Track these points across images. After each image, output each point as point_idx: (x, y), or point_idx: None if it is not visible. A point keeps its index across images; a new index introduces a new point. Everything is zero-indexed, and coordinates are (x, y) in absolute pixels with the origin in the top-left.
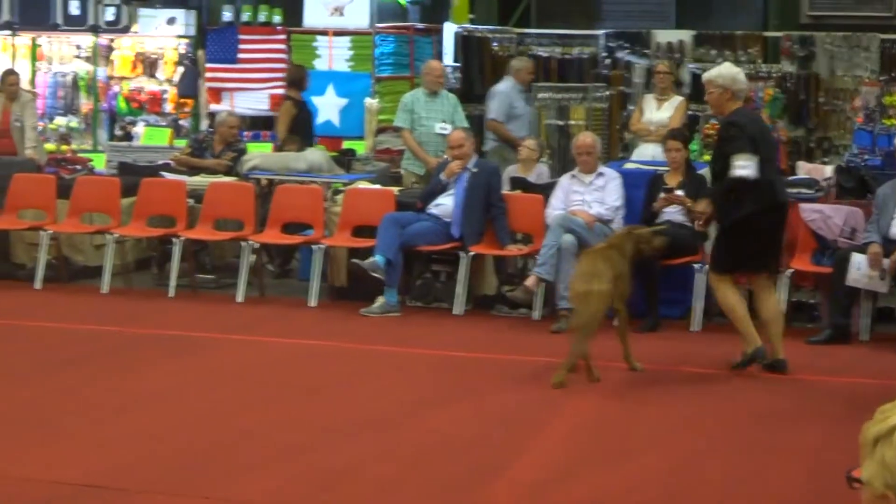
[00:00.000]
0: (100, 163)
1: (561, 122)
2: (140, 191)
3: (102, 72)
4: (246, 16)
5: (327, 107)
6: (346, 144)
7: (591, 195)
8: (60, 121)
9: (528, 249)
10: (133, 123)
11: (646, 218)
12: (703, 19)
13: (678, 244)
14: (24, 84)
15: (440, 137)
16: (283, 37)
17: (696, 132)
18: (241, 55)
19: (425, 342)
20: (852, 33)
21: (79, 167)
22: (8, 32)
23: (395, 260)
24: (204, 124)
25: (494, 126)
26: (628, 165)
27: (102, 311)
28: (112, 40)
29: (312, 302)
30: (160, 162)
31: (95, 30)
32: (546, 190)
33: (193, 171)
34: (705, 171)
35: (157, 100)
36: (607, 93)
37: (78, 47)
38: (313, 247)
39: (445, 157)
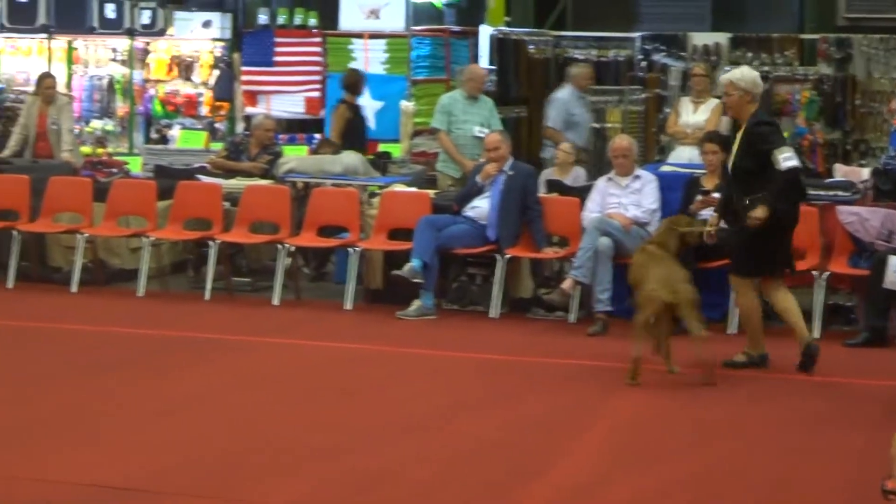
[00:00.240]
0: (136, 166)
1: (597, 125)
2: (176, 194)
3: (138, 75)
4: (282, 19)
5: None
6: (381, 147)
7: (628, 198)
8: (96, 124)
9: (564, 252)
10: (169, 126)
11: None
12: (740, 22)
13: (716, 246)
14: (61, 87)
15: (477, 140)
16: (318, 40)
17: None
18: (276, 58)
19: (461, 345)
20: (889, 35)
21: (115, 170)
22: (44, 36)
23: (432, 263)
24: (240, 127)
25: (552, 133)
26: (665, 168)
27: (138, 314)
28: (148, 43)
29: (348, 305)
30: (196, 165)
31: (131, 33)
32: (582, 193)
33: (229, 173)
34: None
35: (192, 103)
36: (643, 95)
37: (114, 50)
38: (349, 250)
39: (481, 159)
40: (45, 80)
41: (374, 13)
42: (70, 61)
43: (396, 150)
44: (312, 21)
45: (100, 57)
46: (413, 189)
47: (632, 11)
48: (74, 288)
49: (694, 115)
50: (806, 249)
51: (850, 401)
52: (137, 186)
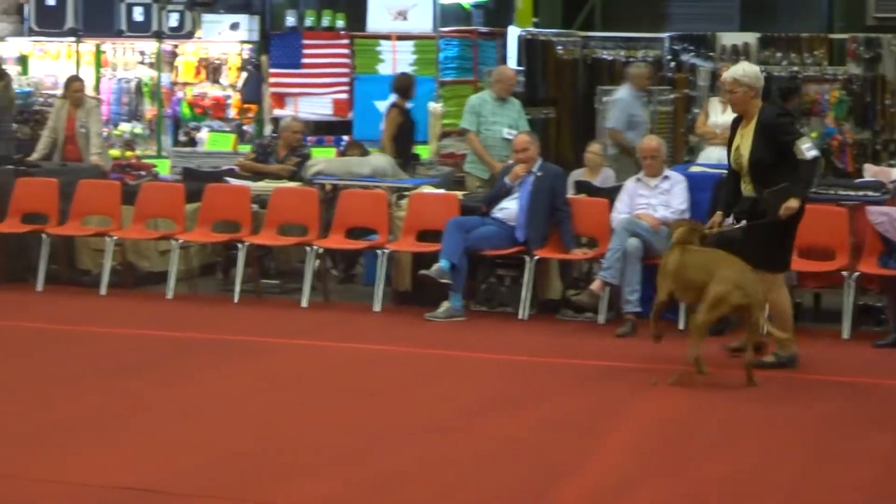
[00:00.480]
0: (164, 168)
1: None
2: (204, 196)
3: (166, 78)
4: (309, 21)
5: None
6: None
7: (657, 199)
8: (125, 127)
9: (592, 253)
10: (197, 129)
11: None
12: (768, 22)
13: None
14: (89, 90)
15: (505, 142)
16: (346, 41)
17: None
18: (304, 60)
19: (490, 346)
20: None
21: (143, 173)
22: (72, 39)
23: (460, 264)
24: (268, 129)
25: (614, 134)
26: (694, 168)
27: (167, 316)
28: (176, 46)
29: (377, 307)
30: (224, 167)
31: (159, 36)
32: (611, 194)
33: (258, 176)
34: None
35: (220, 105)
36: (672, 96)
37: (142, 53)
38: (378, 251)
39: (510, 161)
40: (74, 83)
41: (402, 14)
42: (98, 64)
43: (424, 152)
44: (340, 23)
45: (128, 60)
46: (441, 190)
47: (660, 12)
48: (103, 291)
49: (723, 115)
50: (835, 250)
51: (879, 402)
52: (166, 189)
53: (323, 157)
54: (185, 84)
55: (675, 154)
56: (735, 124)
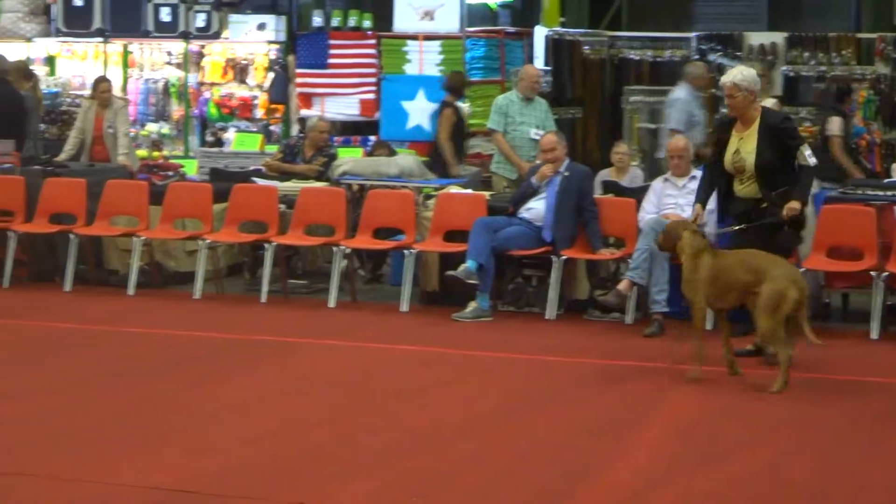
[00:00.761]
0: (191, 169)
1: (653, 126)
2: (232, 196)
3: (193, 78)
4: (336, 21)
5: (418, 111)
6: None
7: (685, 198)
8: (152, 127)
9: (620, 253)
10: (224, 129)
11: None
12: (796, 21)
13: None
14: (116, 91)
15: (532, 142)
16: (373, 41)
17: None
18: (331, 60)
19: (517, 347)
20: None
21: (171, 173)
22: (100, 40)
23: (487, 265)
24: (294, 129)
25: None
26: None
27: (195, 316)
28: (203, 46)
29: (404, 307)
30: (251, 167)
31: (186, 36)
32: (639, 194)
33: (285, 176)
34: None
35: (247, 105)
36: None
37: (169, 54)
38: (405, 252)
39: (537, 161)
40: (101, 83)
41: (429, 14)
42: (125, 65)
43: None
44: (367, 23)
45: (155, 60)
46: (468, 191)
47: (687, 11)
48: (131, 291)
49: None
50: (864, 250)
51: None
52: (193, 189)
53: (350, 158)
54: (212, 84)
55: None
56: (724, 127)
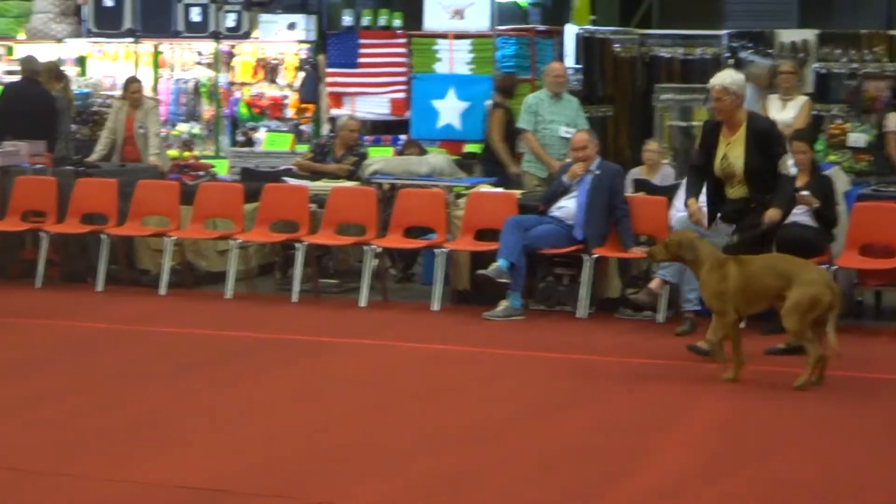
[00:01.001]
0: (222, 169)
1: (684, 124)
2: (263, 196)
3: (224, 78)
4: (366, 20)
5: (448, 110)
6: (467, 148)
7: None
8: (183, 127)
9: None
10: (255, 129)
11: None
12: (827, 18)
13: (804, 244)
14: (147, 91)
15: (563, 140)
16: (403, 40)
17: (820, 132)
18: (361, 59)
19: (549, 346)
20: None
21: (201, 173)
22: (131, 40)
23: (518, 263)
24: (325, 129)
25: None
26: None
27: (226, 316)
28: (233, 46)
29: (435, 306)
30: (282, 167)
31: (217, 36)
32: (670, 192)
33: (315, 175)
34: (831, 172)
35: (278, 105)
36: None
37: (199, 54)
38: (436, 251)
39: (568, 159)
40: (132, 84)
41: (459, 13)
42: (156, 65)
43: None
44: (397, 22)
45: (185, 60)
46: (499, 189)
47: (718, 9)
48: (163, 290)
49: (782, 112)
50: None
51: None
52: (224, 189)
53: (380, 157)
54: (243, 84)
55: None
56: (710, 131)
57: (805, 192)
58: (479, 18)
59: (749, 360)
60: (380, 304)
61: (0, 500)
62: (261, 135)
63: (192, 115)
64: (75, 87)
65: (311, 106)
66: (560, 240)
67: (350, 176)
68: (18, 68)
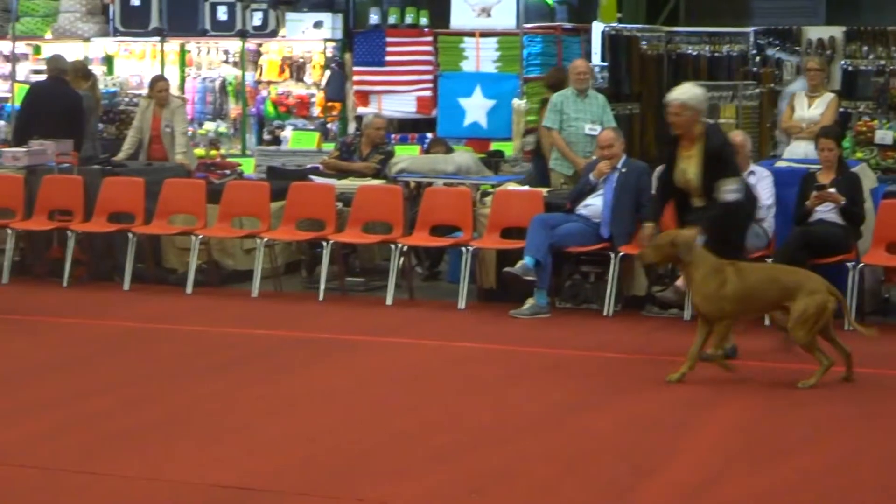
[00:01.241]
0: (249, 167)
1: (710, 121)
2: (289, 195)
3: (250, 76)
4: (393, 18)
5: (475, 108)
6: (493, 146)
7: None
8: (209, 126)
9: None
10: (281, 128)
11: (798, 216)
12: (854, 15)
13: (831, 242)
14: (174, 90)
15: (588, 138)
16: (429, 39)
17: (847, 129)
18: (388, 58)
19: (575, 344)
20: None
21: (228, 172)
22: (157, 39)
23: (545, 261)
24: (351, 127)
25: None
26: (780, 164)
27: (253, 314)
28: (260, 45)
29: (462, 304)
30: (308, 166)
31: (243, 35)
32: None
33: (342, 174)
34: (858, 169)
35: (304, 103)
36: (757, 91)
37: (226, 52)
38: (462, 249)
39: (594, 157)
40: (158, 83)
41: (486, 11)
42: (183, 64)
43: (508, 149)
44: (423, 20)
45: (212, 59)
46: (526, 187)
47: (745, 6)
48: (189, 289)
49: (809, 109)
50: None
51: None
52: (251, 188)
53: (407, 155)
54: (269, 83)
55: (760, 149)
56: (671, 143)
57: (832, 190)
58: (505, 16)
59: (773, 358)
60: (406, 302)
61: (31, 499)
62: (287, 133)
63: (219, 114)
64: (102, 87)
65: (337, 104)
66: (586, 238)
67: (376, 174)
68: (45, 67)
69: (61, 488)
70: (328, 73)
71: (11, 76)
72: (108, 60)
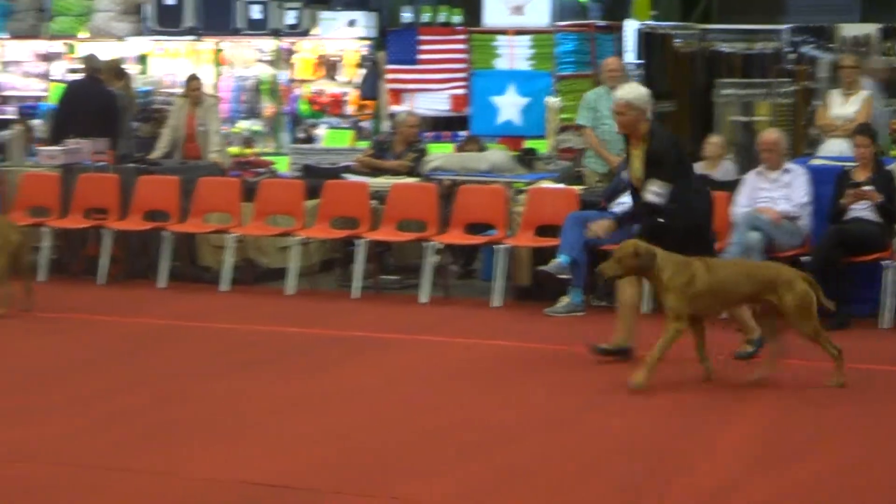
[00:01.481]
0: (283, 165)
1: (745, 119)
2: (323, 193)
3: (284, 75)
4: (426, 16)
5: (508, 106)
6: (527, 144)
7: (778, 192)
8: (243, 124)
9: None
10: (315, 126)
11: (833, 214)
12: (889, 12)
13: (867, 240)
14: (208, 89)
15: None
16: (463, 37)
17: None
18: (421, 56)
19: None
20: None
21: (262, 170)
22: (191, 38)
23: (580, 259)
24: (385, 126)
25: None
26: (815, 161)
27: (287, 312)
28: (293, 43)
29: (496, 302)
30: (342, 164)
31: (277, 33)
32: (731, 187)
33: (376, 172)
34: (894, 166)
35: (338, 102)
36: (792, 88)
37: (260, 51)
38: (496, 247)
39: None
40: (193, 81)
41: (519, 9)
42: (217, 63)
43: (542, 147)
44: (456, 18)
45: (246, 58)
46: (560, 185)
47: (779, 3)
48: (224, 287)
49: (844, 107)
50: None
51: None
52: (285, 186)
53: (440, 153)
54: (303, 81)
55: (795, 147)
56: (625, 139)
57: (868, 188)
58: (538, 14)
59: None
60: (440, 300)
61: (62, 495)
62: (321, 131)
63: (253, 113)
64: (137, 85)
65: (371, 102)
66: (621, 236)
67: (410, 172)
68: (81, 66)
69: (94, 485)
70: (362, 71)
71: (46, 75)
72: (142, 59)
